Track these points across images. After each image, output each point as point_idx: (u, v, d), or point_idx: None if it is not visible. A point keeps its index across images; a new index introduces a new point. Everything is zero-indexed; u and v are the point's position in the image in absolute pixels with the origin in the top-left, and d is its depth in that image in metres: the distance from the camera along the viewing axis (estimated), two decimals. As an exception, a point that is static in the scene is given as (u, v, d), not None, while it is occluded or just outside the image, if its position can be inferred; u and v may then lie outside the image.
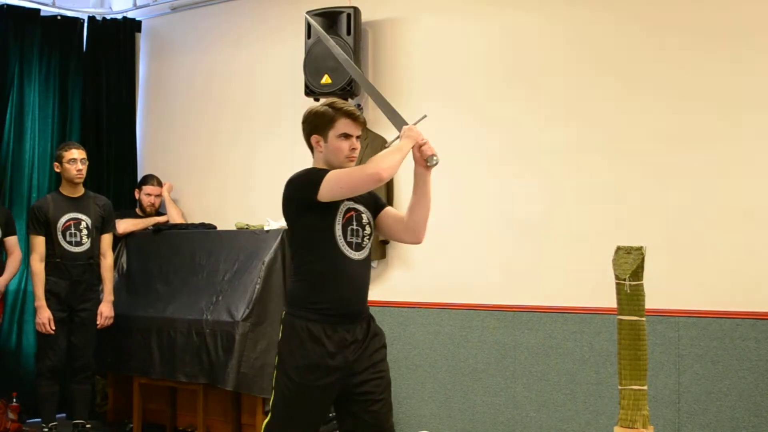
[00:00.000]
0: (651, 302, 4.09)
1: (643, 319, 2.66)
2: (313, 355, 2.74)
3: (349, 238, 2.81)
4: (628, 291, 2.66)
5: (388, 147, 2.85)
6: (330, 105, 2.88)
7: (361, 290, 2.87)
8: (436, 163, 2.82)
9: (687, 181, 4.10)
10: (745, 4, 4.01)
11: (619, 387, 2.68)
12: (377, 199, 2.99)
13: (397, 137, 2.87)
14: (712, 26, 4.07)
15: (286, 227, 2.97)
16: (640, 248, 2.68)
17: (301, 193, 2.78)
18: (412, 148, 2.81)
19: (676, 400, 4.06)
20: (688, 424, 4.02)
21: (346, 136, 2.84)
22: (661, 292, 4.09)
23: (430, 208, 2.90)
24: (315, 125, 2.87)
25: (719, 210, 4.01)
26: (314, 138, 2.88)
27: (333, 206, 2.79)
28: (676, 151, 4.12)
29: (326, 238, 2.78)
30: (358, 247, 2.83)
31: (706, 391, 3.99)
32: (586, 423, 4.28)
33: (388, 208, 2.99)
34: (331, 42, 3.19)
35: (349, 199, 2.83)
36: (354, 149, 2.86)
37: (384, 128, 4.97)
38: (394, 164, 2.72)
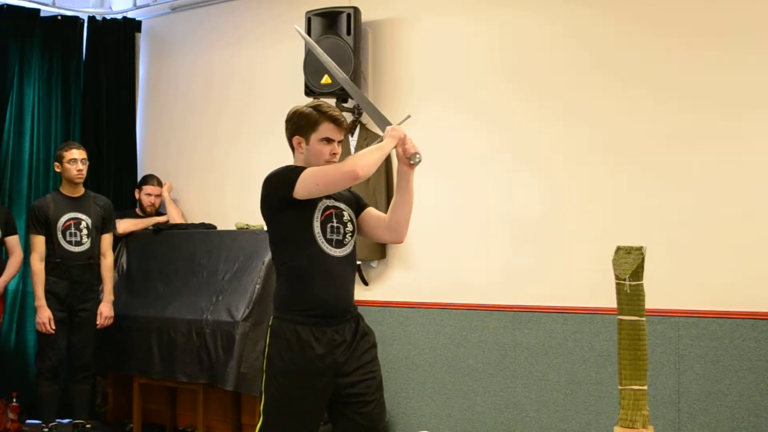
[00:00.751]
0: (651, 302, 4.08)
1: (643, 319, 2.65)
2: (302, 359, 2.74)
3: (329, 236, 2.79)
4: (628, 291, 2.65)
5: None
6: (315, 107, 2.86)
7: (344, 288, 2.84)
8: (420, 161, 2.83)
9: (687, 181, 4.10)
10: (745, 3, 4.01)
11: (619, 387, 2.68)
12: (359, 199, 2.98)
13: (381, 138, 2.86)
14: (712, 26, 4.07)
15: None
16: (640, 248, 2.68)
17: (277, 190, 2.77)
18: (396, 146, 2.81)
19: (676, 400, 4.06)
20: (688, 424, 4.02)
21: (328, 140, 2.82)
22: (661, 292, 4.09)
23: (412, 207, 2.89)
24: (298, 126, 2.85)
25: (719, 210, 4.01)
26: (296, 139, 2.87)
27: (311, 204, 2.78)
28: (677, 151, 4.12)
29: (304, 236, 2.76)
30: (339, 244, 2.81)
31: (706, 391, 3.98)
32: (586, 423, 4.28)
33: (370, 208, 2.98)
34: (318, 49, 3.18)
35: (328, 197, 2.83)
36: (334, 154, 2.84)
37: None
38: (372, 162, 2.71)
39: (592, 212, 4.34)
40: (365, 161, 2.69)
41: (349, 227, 2.86)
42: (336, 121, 2.83)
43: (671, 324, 4.07)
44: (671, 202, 4.12)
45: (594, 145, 4.35)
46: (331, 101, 4.85)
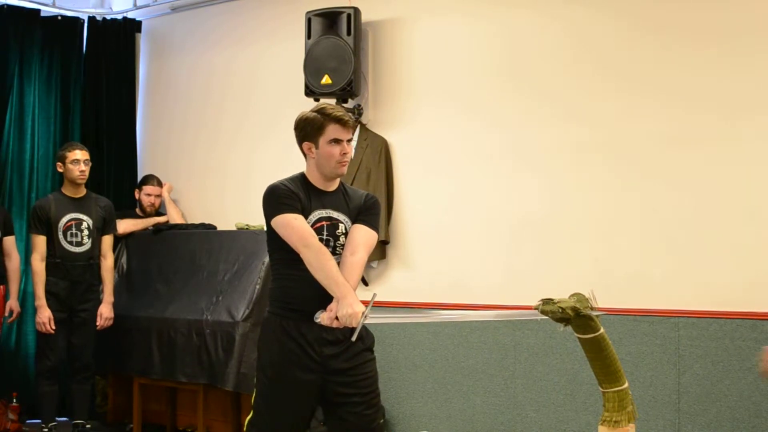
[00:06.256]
0: (651, 302, 4.13)
1: (599, 332, 2.68)
2: (286, 351, 2.78)
3: None
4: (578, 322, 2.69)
5: (366, 310, 2.64)
6: (319, 111, 2.87)
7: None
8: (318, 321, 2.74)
9: (687, 181, 4.10)
10: (745, 4, 4.01)
11: (601, 390, 2.73)
12: (362, 212, 2.91)
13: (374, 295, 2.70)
14: (712, 27, 4.07)
15: None
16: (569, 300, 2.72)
17: (264, 210, 2.83)
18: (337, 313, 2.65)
19: (676, 400, 4.06)
20: (688, 424, 4.02)
21: (336, 141, 2.83)
22: (661, 292, 4.11)
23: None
24: (306, 132, 2.87)
25: (719, 210, 4.01)
26: (305, 145, 2.88)
27: (303, 214, 2.79)
28: (676, 151, 4.12)
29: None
30: (332, 254, 2.78)
31: (706, 391, 3.98)
32: (586, 423, 4.27)
33: (358, 228, 2.87)
34: None
35: (325, 208, 2.84)
36: (345, 154, 2.84)
37: (384, 128, 4.98)
38: (319, 271, 2.67)
39: (592, 212, 4.34)
40: (316, 265, 2.68)
41: (342, 240, 2.85)
42: (341, 121, 2.83)
43: (671, 324, 4.07)
44: (671, 202, 4.12)
45: (594, 145, 4.35)
46: (331, 101, 4.85)
